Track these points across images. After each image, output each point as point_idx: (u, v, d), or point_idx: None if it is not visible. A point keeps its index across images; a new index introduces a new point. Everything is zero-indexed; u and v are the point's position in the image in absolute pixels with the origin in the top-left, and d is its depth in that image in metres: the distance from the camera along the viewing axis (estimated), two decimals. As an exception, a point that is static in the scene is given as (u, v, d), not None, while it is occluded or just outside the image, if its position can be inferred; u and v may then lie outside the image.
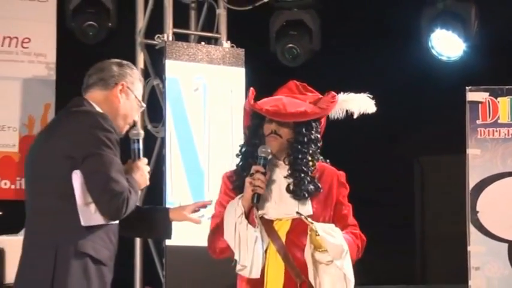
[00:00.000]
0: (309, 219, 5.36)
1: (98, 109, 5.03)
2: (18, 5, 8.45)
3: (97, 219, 4.88)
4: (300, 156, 5.51)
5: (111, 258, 4.97)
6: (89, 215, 4.86)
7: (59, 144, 4.91)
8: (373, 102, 5.67)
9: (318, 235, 5.32)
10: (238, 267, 5.44)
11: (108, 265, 4.94)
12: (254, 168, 5.36)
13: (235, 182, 5.53)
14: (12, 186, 8.37)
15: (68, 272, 4.82)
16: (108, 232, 4.97)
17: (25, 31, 8.48)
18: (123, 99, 5.11)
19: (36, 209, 5.02)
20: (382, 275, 9.07)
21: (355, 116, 5.64)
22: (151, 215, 5.31)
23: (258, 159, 5.40)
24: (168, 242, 7.99)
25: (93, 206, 4.86)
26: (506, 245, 7.43)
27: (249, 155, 5.55)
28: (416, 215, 11.26)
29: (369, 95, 5.67)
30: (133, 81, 5.16)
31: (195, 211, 5.32)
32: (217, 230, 5.50)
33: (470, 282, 7.33)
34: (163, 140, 8.29)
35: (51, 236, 4.86)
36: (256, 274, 5.43)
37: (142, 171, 5.13)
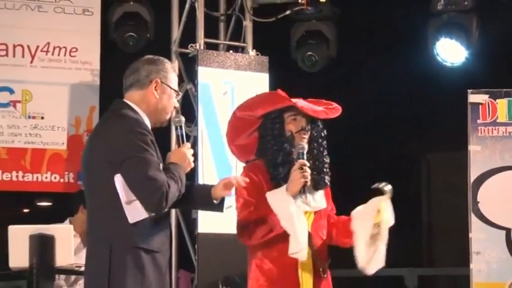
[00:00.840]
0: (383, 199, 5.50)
1: (137, 109, 5.02)
2: (66, 18, 8.42)
3: (143, 214, 4.90)
4: (322, 150, 5.56)
5: (164, 242, 5.00)
6: (134, 211, 4.91)
7: (101, 150, 4.94)
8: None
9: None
10: (292, 250, 5.40)
11: (162, 250, 4.96)
12: (301, 162, 5.35)
13: (278, 175, 5.47)
14: (61, 180, 8.33)
15: (122, 266, 4.86)
16: (157, 220, 4.98)
17: (73, 41, 8.43)
18: (158, 94, 5.09)
19: (91, 207, 5.07)
20: (394, 259, 9.11)
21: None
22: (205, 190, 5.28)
23: (298, 154, 5.38)
24: (200, 230, 7.96)
25: (137, 203, 4.87)
26: (504, 232, 7.39)
27: (285, 151, 5.50)
28: (423, 206, 11.26)
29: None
30: (166, 74, 5.14)
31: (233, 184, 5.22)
32: (255, 220, 5.48)
33: (471, 266, 7.30)
34: (195, 138, 8.21)
35: (105, 233, 4.91)
36: (305, 256, 5.42)
37: (186, 155, 5.09)
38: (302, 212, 5.41)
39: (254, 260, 5.58)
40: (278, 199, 5.41)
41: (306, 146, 5.43)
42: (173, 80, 5.12)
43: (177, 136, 5.21)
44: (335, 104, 5.60)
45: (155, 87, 5.04)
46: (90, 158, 5.01)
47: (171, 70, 5.14)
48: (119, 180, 4.85)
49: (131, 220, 4.84)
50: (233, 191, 5.31)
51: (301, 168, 5.31)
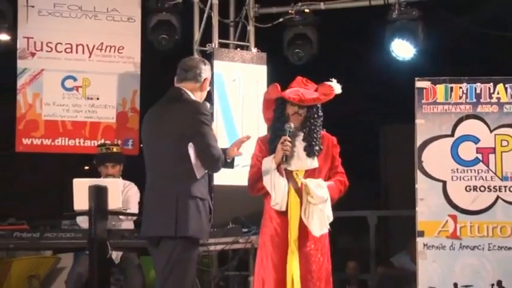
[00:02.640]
0: (303, 180, 5.53)
1: (191, 95, 5.16)
2: (115, 24, 8.40)
3: (202, 172, 5.11)
4: (313, 128, 5.60)
5: (208, 192, 5.21)
6: (200, 170, 5.08)
7: (175, 127, 5.05)
8: (340, 86, 5.72)
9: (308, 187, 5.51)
10: (272, 203, 5.55)
11: (208, 198, 5.19)
12: (283, 138, 5.46)
13: (270, 147, 5.59)
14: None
15: (186, 210, 5.00)
16: (205, 177, 5.19)
17: (120, 42, 8.41)
18: (205, 88, 5.28)
19: (160, 167, 5.13)
20: (360, 204, 9.14)
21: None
22: None
23: (285, 132, 5.47)
24: (215, 182, 7.91)
25: (200, 165, 5.06)
26: (441, 184, 7.34)
27: (278, 129, 5.58)
28: (382, 164, 11.25)
29: (339, 82, 5.75)
30: (209, 73, 5.27)
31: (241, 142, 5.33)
32: (256, 177, 5.62)
33: (417, 209, 7.26)
34: (212, 114, 8.17)
35: (172, 187, 5.03)
36: (283, 208, 5.53)
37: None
38: (280, 175, 5.50)
39: (265, 200, 5.67)
40: (266, 165, 5.57)
41: (292, 125, 5.54)
42: (210, 77, 5.35)
43: None
44: (332, 89, 5.67)
45: (205, 83, 5.26)
46: (163, 130, 5.10)
47: (210, 70, 5.35)
48: (191, 149, 5.01)
49: (198, 176, 5.04)
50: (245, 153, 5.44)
51: (282, 142, 5.42)
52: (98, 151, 7.66)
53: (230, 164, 5.33)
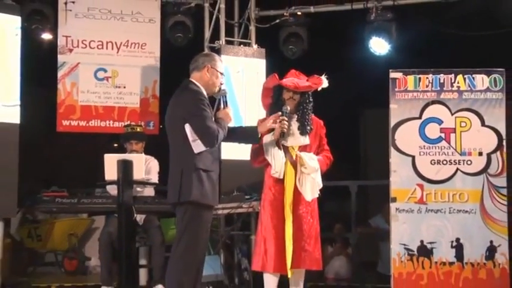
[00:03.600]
0: (298, 152, 5.63)
1: (198, 84, 5.11)
2: (139, 25, 8.37)
3: (202, 147, 5.00)
4: (305, 111, 5.68)
5: (215, 164, 5.13)
6: (197, 146, 5.02)
7: (178, 110, 5.04)
8: (327, 81, 5.79)
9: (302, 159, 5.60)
10: (272, 171, 5.64)
11: (214, 169, 5.10)
12: (281, 118, 5.50)
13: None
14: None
15: (189, 181, 4.97)
16: (211, 151, 5.08)
17: (143, 39, 8.38)
18: (209, 74, 5.15)
19: (171, 145, 5.14)
20: (342, 175, 9.05)
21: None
22: (245, 130, 5.53)
23: (282, 113, 5.52)
24: (222, 157, 7.76)
25: (198, 141, 4.98)
26: (410, 158, 7.32)
27: (276, 110, 5.61)
28: (361, 142, 11.25)
29: (326, 74, 5.79)
30: (215, 62, 5.19)
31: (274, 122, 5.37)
32: (258, 151, 5.67)
33: (391, 179, 7.26)
34: (219, 100, 8.14)
35: (178, 161, 5.04)
36: (281, 176, 5.62)
37: (228, 114, 5.22)
38: (279, 149, 5.59)
39: (265, 171, 5.75)
40: (267, 140, 5.62)
41: (289, 108, 5.61)
42: (219, 66, 5.22)
43: (223, 101, 5.30)
44: (321, 80, 5.74)
45: (207, 70, 5.14)
46: (171, 116, 5.12)
47: (219, 60, 5.26)
48: (188, 127, 4.98)
49: (196, 151, 4.98)
50: None
51: (280, 121, 5.47)
52: (124, 131, 7.70)
53: (256, 137, 5.39)
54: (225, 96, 5.34)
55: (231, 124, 5.38)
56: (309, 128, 5.71)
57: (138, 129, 7.64)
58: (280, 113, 5.54)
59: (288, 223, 5.64)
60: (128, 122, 8.06)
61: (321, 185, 5.74)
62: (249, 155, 5.81)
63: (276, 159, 5.62)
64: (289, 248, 5.60)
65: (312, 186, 5.68)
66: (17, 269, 9.66)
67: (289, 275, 5.67)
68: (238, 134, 5.40)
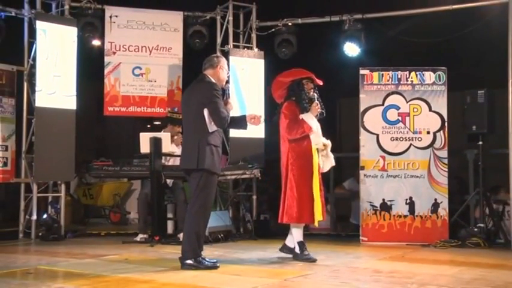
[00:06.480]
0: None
1: (211, 78, 5.05)
2: (166, 33, 8.29)
3: (214, 128, 4.97)
4: (321, 101, 5.67)
5: (221, 142, 5.08)
6: (212, 126, 4.96)
7: (197, 97, 4.99)
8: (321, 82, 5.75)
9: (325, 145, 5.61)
10: (314, 142, 5.53)
11: (220, 146, 5.04)
12: (316, 102, 5.57)
13: (307, 108, 5.57)
14: (164, 111, 8.28)
15: (204, 153, 4.91)
16: (219, 132, 5.05)
17: (169, 44, 8.31)
18: (220, 72, 5.13)
19: (186, 124, 5.09)
20: None
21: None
22: (238, 119, 5.31)
23: (314, 100, 5.57)
24: (231, 135, 7.86)
25: (213, 123, 4.96)
26: (375, 136, 7.31)
27: (307, 98, 5.60)
28: (337, 124, 11.23)
29: (312, 72, 5.75)
30: (223, 64, 5.17)
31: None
32: (297, 126, 5.49)
33: (360, 152, 7.24)
34: (223, 91, 8.11)
35: (195, 137, 4.96)
36: (320, 145, 5.57)
37: (230, 104, 5.20)
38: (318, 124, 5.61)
39: (290, 145, 5.54)
40: (308, 118, 5.56)
41: (315, 96, 5.64)
42: (225, 66, 5.21)
43: (226, 93, 5.27)
44: (318, 78, 5.71)
45: (220, 68, 5.14)
46: (190, 101, 5.06)
47: (225, 62, 5.24)
48: (206, 111, 4.95)
49: (210, 130, 4.96)
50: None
51: (317, 104, 5.55)
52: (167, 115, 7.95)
53: (245, 126, 5.25)
54: (228, 90, 5.34)
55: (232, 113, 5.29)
56: (323, 112, 5.73)
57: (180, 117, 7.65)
58: (317, 101, 5.57)
59: (316, 181, 5.54)
60: (168, 109, 8.11)
61: (333, 163, 5.74)
62: (289, 130, 5.54)
63: (317, 132, 5.59)
64: (319, 203, 5.53)
65: (330, 161, 5.71)
66: (75, 220, 9.82)
67: (316, 225, 5.61)
68: (230, 122, 5.25)
